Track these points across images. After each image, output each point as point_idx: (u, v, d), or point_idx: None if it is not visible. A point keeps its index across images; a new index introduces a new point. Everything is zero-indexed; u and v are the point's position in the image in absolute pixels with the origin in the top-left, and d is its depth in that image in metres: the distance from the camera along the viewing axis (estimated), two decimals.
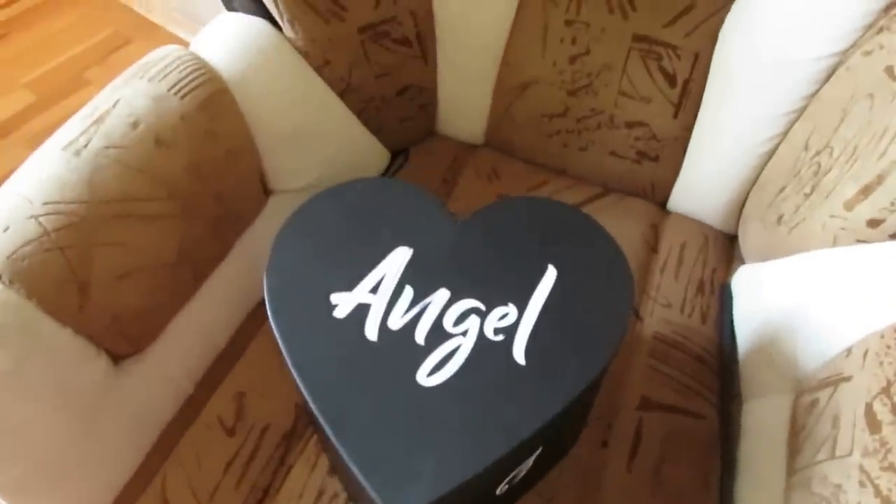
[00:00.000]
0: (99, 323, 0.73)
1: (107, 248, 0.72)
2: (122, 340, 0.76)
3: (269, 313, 0.66)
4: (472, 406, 0.61)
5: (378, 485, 0.56)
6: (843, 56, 0.81)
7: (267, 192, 0.96)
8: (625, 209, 1.05)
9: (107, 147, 0.75)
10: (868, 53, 0.78)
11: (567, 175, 1.09)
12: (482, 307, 0.66)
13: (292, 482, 0.78)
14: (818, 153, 0.82)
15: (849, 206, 0.75)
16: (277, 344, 0.64)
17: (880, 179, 0.71)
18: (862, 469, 0.59)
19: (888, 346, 0.65)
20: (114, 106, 0.78)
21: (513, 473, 0.67)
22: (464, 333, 0.65)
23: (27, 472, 0.69)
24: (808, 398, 0.73)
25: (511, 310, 0.66)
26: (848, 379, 0.67)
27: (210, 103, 0.82)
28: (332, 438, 0.59)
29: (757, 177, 0.94)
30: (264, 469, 0.80)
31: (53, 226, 0.69)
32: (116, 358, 0.78)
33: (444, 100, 1.10)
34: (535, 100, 1.03)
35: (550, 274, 0.69)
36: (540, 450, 0.68)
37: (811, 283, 0.79)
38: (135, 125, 0.77)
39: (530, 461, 0.68)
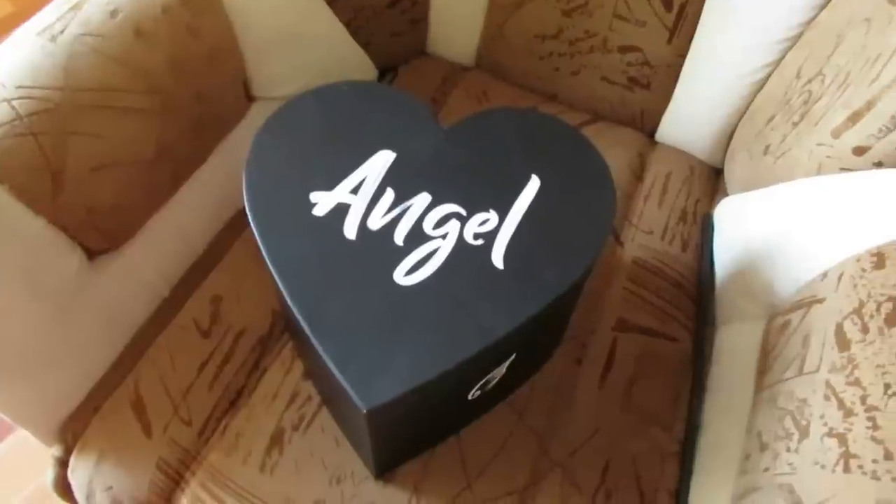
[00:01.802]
0: (73, 215, 0.71)
1: (82, 137, 0.70)
2: (96, 235, 0.75)
3: (246, 208, 0.65)
4: (448, 305, 0.61)
5: (351, 377, 0.56)
6: None
7: (250, 98, 0.94)
8: (613, 137, 1.04)
9: (84, 34, 0.72)
10: None
11: (557, 101, 1.07)
12: (463, 212, 0.66)
13: (266, 385, 0.79)
14: (810, 81, 0.81)
15: (836, 133, 0.74)
16: (256, 249, 0.63)
17: (870, 105, 0.71)
18: (828, 384, 0.60)
19: (863, 270, 0.65)
20: None
21: (485, 378, 0.67)
22: (443, 236, 0.64)
23: None
24: (780, 320, 0.74)
25: (492, 216, 0.66)
26: (821, 301, 0.68)
27: None
28: (308, 332, 0.59)
29: (747, 107, 0.93)
30: (238, 371, 0.80)
31: (26, 110, 0.67)
32: (91, 254, 0.76)
33: (436, 15, 1.08)
34: (529, 19, 1.00)
35: (534, 183, 0.68)
36: (513, 357, 0.68)
37: (793, 211, 0.79)
38: (114, 14, 0.74)
39: (503, 368, 0.69)
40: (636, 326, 0.85)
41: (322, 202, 0.65)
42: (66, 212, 0.70)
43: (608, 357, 0.82)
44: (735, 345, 0.83)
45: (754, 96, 0.92)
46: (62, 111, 0.68)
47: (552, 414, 0.78)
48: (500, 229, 0.65)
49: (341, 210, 0.65)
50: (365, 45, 1.05)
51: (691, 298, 0.89)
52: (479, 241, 0.64)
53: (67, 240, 0.72)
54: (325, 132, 0.71)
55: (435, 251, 0.63)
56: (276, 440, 0.74)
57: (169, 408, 0.77)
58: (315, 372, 0.75)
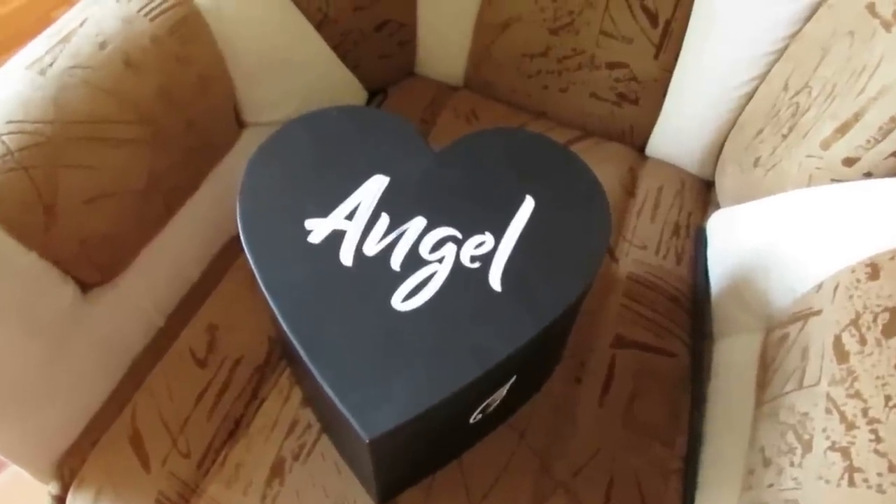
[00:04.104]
0: (66, 248, 0.71)
1: (74, 170, 0.70)
2: (90, 267, 0.75)
3: (241, 237, 0.65)
4: (447, 330, 0.60)
5: (351, 405, 0.56)
6: None
7: (241, 123, 0.94)
8: (603, 153, 1.04)
9: (73, 67, 0.72)
10: None
11: (547, 118, 1.08)
12: (459, 235, 0.66)
13: (265, 414, 0.78)
14: (797, 93, 0.82)
15: (825, 144, 0.75)
16: (251, 276, 0.63)
17: (857, 117, 0.71)
18: (829, 397, 0.60)
19: (858, 280, 0.65)
20: (81, 25, 0.75)
21: (486, 401, 0.67)
22: (440, 260, 0.64)
23: None
24: (778, 333, 0.74)
25: (488, 238, 0.66)
26: (818, 313, 0.68)
27: (181, 27, 0.79)
28: (306, 361, 0.58)
29: (736, 120, 0.94)
30: (236, 401, 0.79)
31: (17, 145, 0.66)
32: (85, 286, 0.76)
33: (424, 37, 1.08)
34: (516, 38, 1.01)
35: (528, 204, 0.68)
36: (513, 379, 0.68)
37: (785, 222, 0.80)
38: (103, 45, 0.74)
39: (504, 390, 0.68)
40: (634, 342, 0.85)
41: (317, 229, 0.65)
42: (59, 245, 0.70)
43: (607, 374, 0.82)
44: (733, 358, 0.83)
45: (742, 109, 0.93)
46: (53, 144, 0.68)
47: (554, 434, 0.78)
48: (496, 251, 0.65)
49: (337, 237, 0.65)
50: (354, 68, 1.05)
51: (687, 312, 0.89)
52: (476, 264, 0.64)
53: (60, 273, 0.72)
54: (318, 158, 0.71)
55: (432, 275, 0.63)
56: (277, 470, 0.74)
57: (167, 440, 0.76)
58: (314, 399, 0.75)
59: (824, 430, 0.59)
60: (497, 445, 0.76)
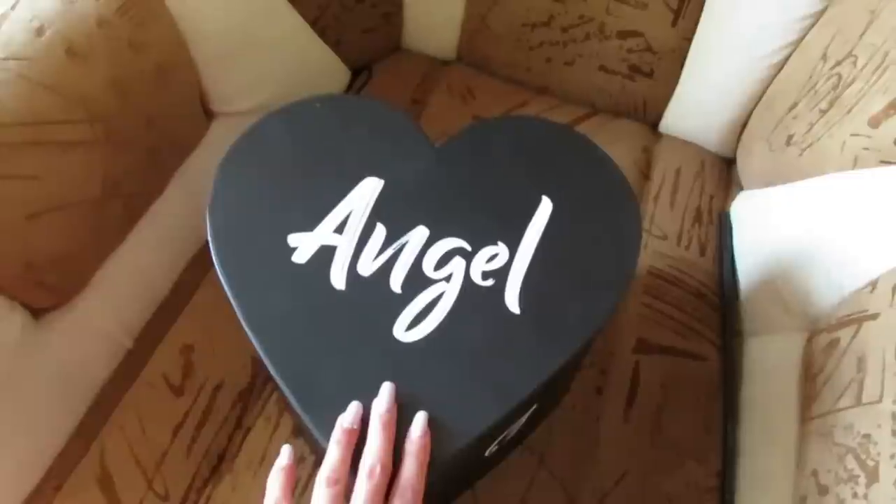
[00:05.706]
0: (8, 273, 0.61)
1: (12, 181, 0.59)
2: (40, 292, 0.65)
3: (214, 260, 0.55)
4: (460, 364, 0.52)
5: None
6: None
7: (209, 114, 0.84)
8: (613, 131, 0.95)
9: (6, 59, 0.61)
10: None
11: (550, 94, 0.98)
12: (468, 247, 0.56)
13: (252, 446, 0.70)
14: (839, 63, 0.72)
15: (875, 122, 0.66)
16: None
17: None
18: (895, 417, 0.53)
19: None
20: (12, 8, 0.64)
21: (504, 433, 0.59)
22: (447, 278, 0.55)
23: None
24: (825, 338, 0.66)
25: (501, 249, 0.56)
26: (874, 317, 0.60)
27: (133, 5, 0.68)
28: (297, 407, 0.50)
29: (763, 92, 0.85)
30: (219, 432, 0.71)
31: None
32: (37, 312, 0.66)
33: (412, 8, 0.98)
34: (516, 6, 0.91)
35: (545, 206, 0.59)
36: (534, 407, 0.60)
37: (827, 209, 0.72)
38: (40, 32, 0.63)
39: (523, 419, 0.60)
40: (658, 346, 0.77)
41: (303, 246, 0.56)
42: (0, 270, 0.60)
43: (631, 384, 0.74)
44: (769, 360, 0.75)
45: (772, 80, 0.84)
46: None
47: (576, 455, 0.70)
48: (512, 265, 0.56)
49: (326, 254, 0.55)
50: (334, 45, 0.95)
51: (715, 309, 0.81)
52: (490, 282, 0.55)
53: (5, 300, 0.62)
54: (300, 159, 0.61)
55: (439, 297, 0.54)
56: None
57: (141, 481, 0.67)
58: (308, 432, 0.66)
59: (892, 456, 0.52)
60: (514, 472, 0.68)
